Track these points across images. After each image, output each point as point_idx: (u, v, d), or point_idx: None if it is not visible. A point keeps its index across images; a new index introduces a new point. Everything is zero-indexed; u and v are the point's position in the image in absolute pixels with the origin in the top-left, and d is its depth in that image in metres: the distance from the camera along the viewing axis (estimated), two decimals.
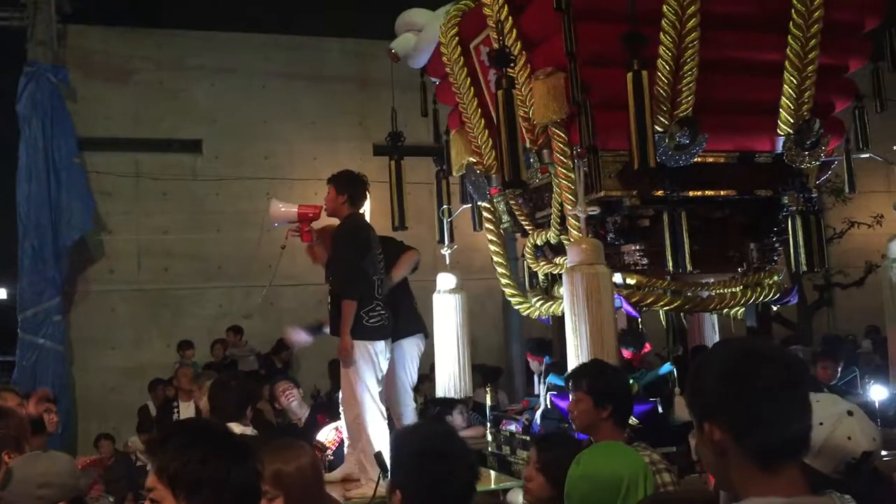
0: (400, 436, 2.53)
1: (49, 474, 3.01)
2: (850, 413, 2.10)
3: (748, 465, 1.52)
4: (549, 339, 6.86)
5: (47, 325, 9.86)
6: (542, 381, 5.33)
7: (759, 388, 1.51)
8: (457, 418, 5.95)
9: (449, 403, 5.95)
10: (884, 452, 2.90)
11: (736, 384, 1.53)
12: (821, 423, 2.02)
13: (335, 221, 5.23)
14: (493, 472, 5.34)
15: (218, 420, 3.60)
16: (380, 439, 4.73)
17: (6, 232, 10.25)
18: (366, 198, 5.31)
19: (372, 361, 4.92)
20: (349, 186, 5.20)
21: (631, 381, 4.65)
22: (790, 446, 1.52)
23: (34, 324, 9.84)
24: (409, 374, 5.32)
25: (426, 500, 2.23)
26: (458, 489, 2.27)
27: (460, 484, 2.27)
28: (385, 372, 5.05)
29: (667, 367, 5.02)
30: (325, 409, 6.37)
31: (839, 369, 6.71)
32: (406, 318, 5.27)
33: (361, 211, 5.36)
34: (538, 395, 5.17)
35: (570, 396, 3.38)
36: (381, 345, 4.95)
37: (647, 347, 5.45)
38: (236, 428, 3.55)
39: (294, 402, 6.18)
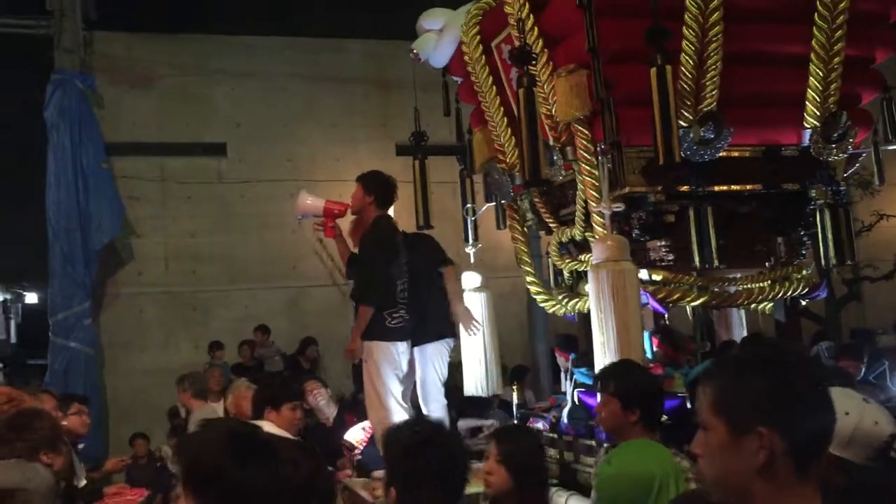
0: (390, 433, 2.51)
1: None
2: (866, 400, 2.12)
3: (794, 478, 1.43)
4: (577, 335, 6.85)
5: (78, 329, 10.00)
6: (568, 378, 5.32)
7: (804, 389, 1.45)
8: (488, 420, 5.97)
9: (480, 404, 5.98)
10: None
11: (794, 390, 1.45)
12: (846, 413, 2.00)
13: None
14: None
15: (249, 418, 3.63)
16: None
17: (37, 237, 10.41)
18: (393, 200, 5.36)
19: (393, 362, 4.97)
20: (377, 187, 5.25)
21: (676, 376, 4.65)
22: (822, 444, 1.49)
23: (65, 327, 9.98)
24: (439, 372, 5.33)
25: (419, 493, 2.21)
26: (451, 480, 2.25)
27: (452, 475, 2.25)
28: (406, 372, 5.09)
29: (705, 365, 5.00)
30: (353, 408, 6.41)
31: (862, 365, 6.62)
32: (434, 320, 5.31)
33: (389, 213, 5.40)
34: (565, 393, 5.15)
35: (598, 397, 3.36)
36: (402, 346, 5.02)
37: (692, 346, 5.42)
38: (266, 426, 3.57)
39: (322, 402, 6.22)
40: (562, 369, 5.89)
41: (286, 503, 1.84)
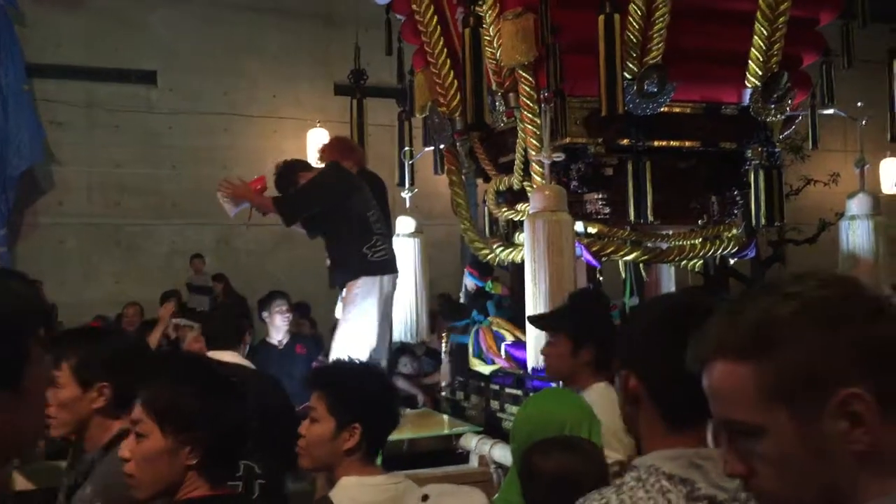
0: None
1: None
2: None
3: (657, 419, 1.45)
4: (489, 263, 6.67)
5: None
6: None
7: (682, 345, 1.26)
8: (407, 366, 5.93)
9: (399, 350, 5.93)
10: None
11: (659, 336, 1.46)
12: None
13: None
14: (446, 417, 5.35)
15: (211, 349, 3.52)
16: None
17: None
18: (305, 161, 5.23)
19: (378, 296, 4.83)
20: (290, 175, 5.10)
21: None
22: (702, 406, 1.29)
23: None
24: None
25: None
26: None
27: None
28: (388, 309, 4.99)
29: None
30: (306, 341, 6.26)
31: None
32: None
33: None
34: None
35: (548, 339, 3.25)
36: (386, 279, 4.89)
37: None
38: (229, 357, 3.45)
39: (284, 325, 5.91)
40: (466, 289, 5.84)
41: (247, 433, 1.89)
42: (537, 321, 3.52)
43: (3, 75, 9.79)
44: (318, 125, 10.49)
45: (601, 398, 2.95)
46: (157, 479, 1.79)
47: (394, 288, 5.04)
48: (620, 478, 1.47)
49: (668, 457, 1.41)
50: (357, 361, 2.53)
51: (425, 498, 2.09)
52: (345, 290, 4.92)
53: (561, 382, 3.27)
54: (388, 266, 4.92)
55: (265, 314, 5.90)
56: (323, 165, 5.26)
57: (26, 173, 10.08)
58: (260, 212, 5.13)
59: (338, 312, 5.16)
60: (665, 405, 1.45)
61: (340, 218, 4.87)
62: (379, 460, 2.44)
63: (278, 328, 5.85)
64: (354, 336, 4.76)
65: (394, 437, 2.65)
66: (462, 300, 5.89)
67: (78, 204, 10.58)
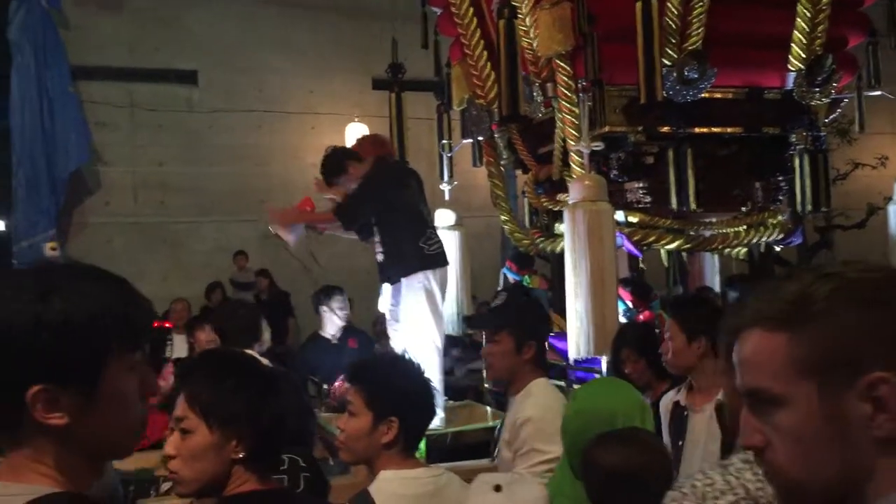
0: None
1: None
2: None
3: None
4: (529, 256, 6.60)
5: (43, 257, 9.81)
6: None
7: None
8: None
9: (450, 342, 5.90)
10: None
11: None
12: None
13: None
14: (489, 409, 5.36)
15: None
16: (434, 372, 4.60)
17: (0, 163, 10.13)
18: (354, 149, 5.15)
19: (434, 289, 4.80)
20: (341, 162, 4.98)
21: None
22: None
23: (29, 255, 9.77)
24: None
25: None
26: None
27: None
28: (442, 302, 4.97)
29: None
30: (359, 336, 6.22)
31: None
32: None
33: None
34: None
35: (489, 339, 3.18)
36: (439, 272, 4.86)
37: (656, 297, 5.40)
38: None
39: (339, 320, 5.89)
40: (506, 283, 5.77)
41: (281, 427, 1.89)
42: (478, 322, 3.47)
43: (49, 78, 9.98)
44: (356, 120, 10.54)
45: (544, 393, 2.94)
46: (203, 474, 1.80)
47: (446, 280, 5.00)
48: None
49: None
50: (393, 355, 2.52)
51: (498, 488, 2.09)
52: (394, 284, 4.89)
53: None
54: (442, 258, 4.88)
55: (323, 308, 5.87)
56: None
57: (74, 174, 10.27)
58: (317, 231, 5.09)
59: (382, 306, 5.15)
60: None
61: (395, 212, 4.79)
62: (422, 452, 2.45)
63: (334, 323, 5.82)
64: (421, 330, 4.72)
65: (438, 429, 2.66)
66: None
67: (124, 203, 10.77)
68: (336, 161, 4.99)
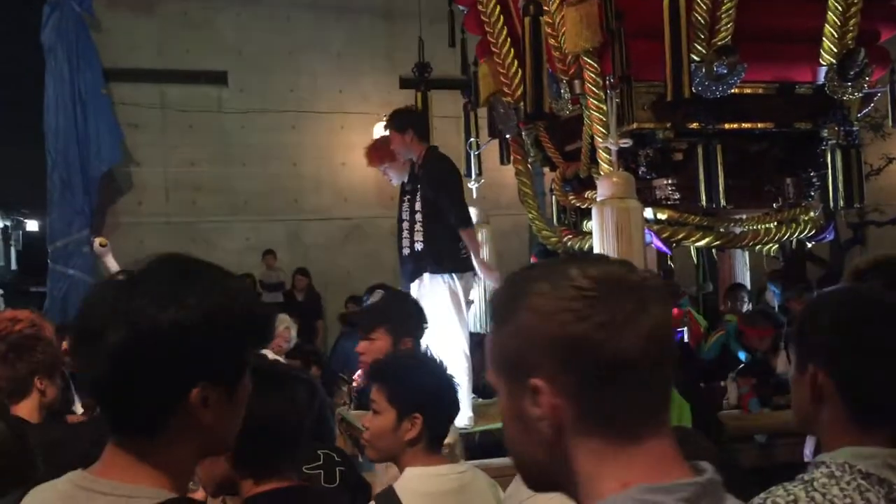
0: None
1: None
2: None
3: (845, 418, 1.42)
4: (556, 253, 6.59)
5: (77, 256, 9.96)
6: None
7: (879, 345, 1.40)
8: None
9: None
10: None
11: (853, 333, 1.43)
12: None
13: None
14: None
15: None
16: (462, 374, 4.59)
17: (36, 164, 10.29)
18: (429, 128, 5.11)
19: (459, 292, 4.80)
20: (408, 120, 4.94)
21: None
22: (893, 407, 1.42)
23: (64, 255, 9.94)
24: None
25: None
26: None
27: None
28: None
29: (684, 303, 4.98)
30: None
31: None
32: None
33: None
34: None
35: (364, 336, 3.20)
36: (468, 276, 4.88)
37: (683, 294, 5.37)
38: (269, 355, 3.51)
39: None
40: None
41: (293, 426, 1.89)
42: (355, 318, 3.47)
43: (81, 81, 10.12)
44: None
45: None
46: (212, 476, 1.82)
47: (471, 286, 5.01)
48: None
49: (863, 455, 1.38)
50: (415, 353, 2.52)
51: None
52: (415, 281, 4.90)
53: None
54: (470, 263, 4.89)
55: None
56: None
57: (106, 175, 10.41)
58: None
59: None
60: (855, 403, 1.43)
61: (447, 209, 4.74)
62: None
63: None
64: (447, 331, 4.71)
65: (467, 428, 2.66)
66: None
67: (156, 203, 10.90)
68: (399, 120, 4.90)
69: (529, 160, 5.83)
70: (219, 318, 1.18)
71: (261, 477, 1.84)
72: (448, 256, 4.72)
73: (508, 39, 5.46)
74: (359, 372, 5.49)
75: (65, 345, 4.30)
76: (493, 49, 5.60)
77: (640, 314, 0.96)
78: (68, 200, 10.00)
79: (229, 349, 1.20)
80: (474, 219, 5.80)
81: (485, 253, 5.75)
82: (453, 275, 4.73)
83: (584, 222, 5.19)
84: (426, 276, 4.79)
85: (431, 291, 4.74)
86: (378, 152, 5.07)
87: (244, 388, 1.25)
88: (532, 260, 5.92)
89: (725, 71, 4.36)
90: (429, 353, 2.55)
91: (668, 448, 0.99)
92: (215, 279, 1.23)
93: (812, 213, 5.16)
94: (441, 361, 2.42)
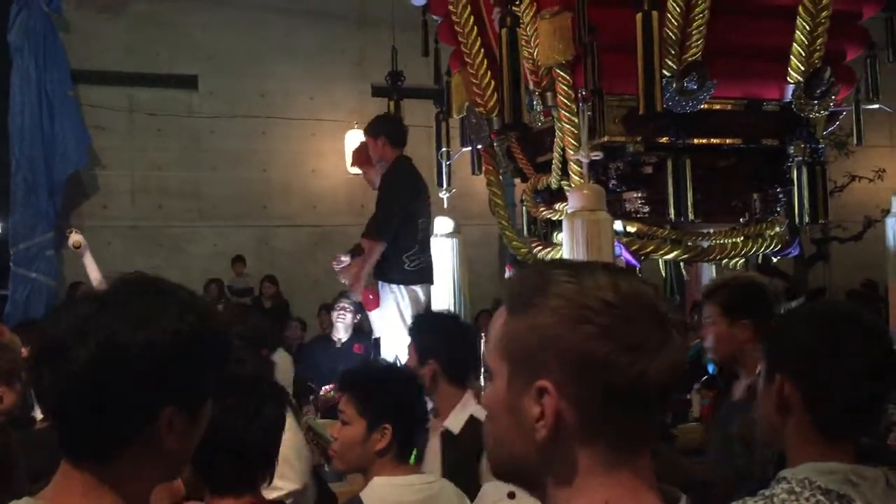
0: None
1: None
2: None
3: (809, 429, 1.45)
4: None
5: (40, 260, 9.80)
6: None
7: (844, 359, 1.44)
8: None
9: None
10: None
11: (823, 344, 1.46)
12: None
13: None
14: None
15: None
16: None
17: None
18: (405, 137, 5.24)
19: (402, 304, 4.88)
20: (382, 126, 5.15)
21: None
22: (857, 421, 1.46)
23: (27, 258, 9.77)
24: None
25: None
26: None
27: None
28: None
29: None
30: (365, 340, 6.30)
31: None
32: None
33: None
34: None
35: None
36: (420, 288, 4.96)
37: None
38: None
39: (342, 324, 6.22)
40: None
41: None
42: None
43: (48, 81, 9.98)
44: (355, 126, 10.55)
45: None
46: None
47: (425, 297, 5.06)
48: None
49: (824, 470, 1.39)
50: (386, 363, 2.53)
51: (511, 495, 2.08)
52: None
53: None
54: (419, 276, 4.96)
55: (335, 311, 6.21)
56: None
57: (72, 177, 10.28)
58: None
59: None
60: (820, 415, 1.44)
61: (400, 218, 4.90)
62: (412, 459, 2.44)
63: (337, 327, 6.09)
64: (394, 339, 4.79)
65: None
66: None
67: (122, 207, 10.77)
68: (375, 126, 5.13)
69: (501, 171, 5.84)
70: (190, 341, 1.16)
71: (220, 493, 1.81)
72: (393, 268, 4.85)
73: (482, 50, 5.48)
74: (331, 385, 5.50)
75: (25, 352, 4.23)
76: (467, 60, 5.60)
77: (665, 346, 0.96)
78: (32, 203, 9.84)
79: (196, 372, 1.18)
80: (446, 229, 5.82)
81: (455, 262, 5.78)
82: (401, 286, 4.83)
83: (555, 234, 5.21)
84: (380, 283, 4.93)
85: (384, 300, 4.86)
86: (360, 155, 5.23)
87: (206, 412, 1.22)
88: (507, 268, 5.95)
89: (695, 87, 4.42)
90: (399, 363, 2.55)
91: (650, 473, 0.99)
92: (186, 301, 1.20)
93: (778, 228, 5.22)
94: (411, 371, 2.42)
